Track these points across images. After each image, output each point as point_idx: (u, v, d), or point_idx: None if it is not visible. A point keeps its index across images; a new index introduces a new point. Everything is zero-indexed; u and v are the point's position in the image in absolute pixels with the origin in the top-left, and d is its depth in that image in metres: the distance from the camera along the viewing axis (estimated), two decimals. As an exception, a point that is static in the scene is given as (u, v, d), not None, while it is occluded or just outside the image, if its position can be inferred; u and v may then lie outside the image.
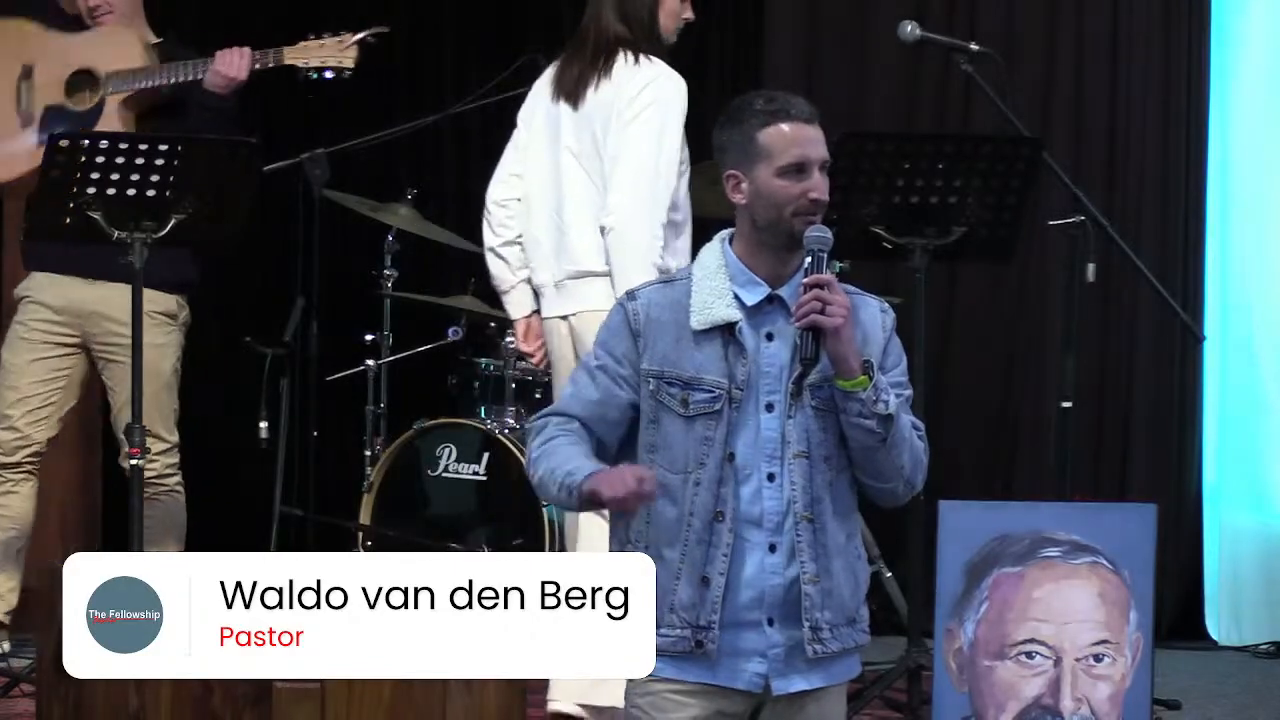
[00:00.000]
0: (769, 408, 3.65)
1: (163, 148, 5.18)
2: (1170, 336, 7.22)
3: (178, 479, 5.93)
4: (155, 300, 5.72)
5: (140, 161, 5.16)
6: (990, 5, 7.43)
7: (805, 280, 3.60)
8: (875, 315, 3.72)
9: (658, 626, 3.56)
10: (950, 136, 5.44)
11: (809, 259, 3.62)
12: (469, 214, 8.01)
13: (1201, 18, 7.26)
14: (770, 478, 3.64)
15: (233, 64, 5.73)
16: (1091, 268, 5.57)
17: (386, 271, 6.93)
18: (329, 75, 5.72)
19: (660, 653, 3.56)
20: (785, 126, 3.69)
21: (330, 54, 5.71)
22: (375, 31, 5.76)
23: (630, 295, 3.76)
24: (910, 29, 5.62)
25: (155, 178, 5.17)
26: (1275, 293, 7.14)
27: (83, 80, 5.79)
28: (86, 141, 5.18)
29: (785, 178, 3.66)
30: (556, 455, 3.63)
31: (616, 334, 3.73)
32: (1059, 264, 6.61)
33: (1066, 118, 7.35)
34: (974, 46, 5.64)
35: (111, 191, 5.16)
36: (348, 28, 5.84)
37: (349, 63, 5.73)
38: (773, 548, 3.63)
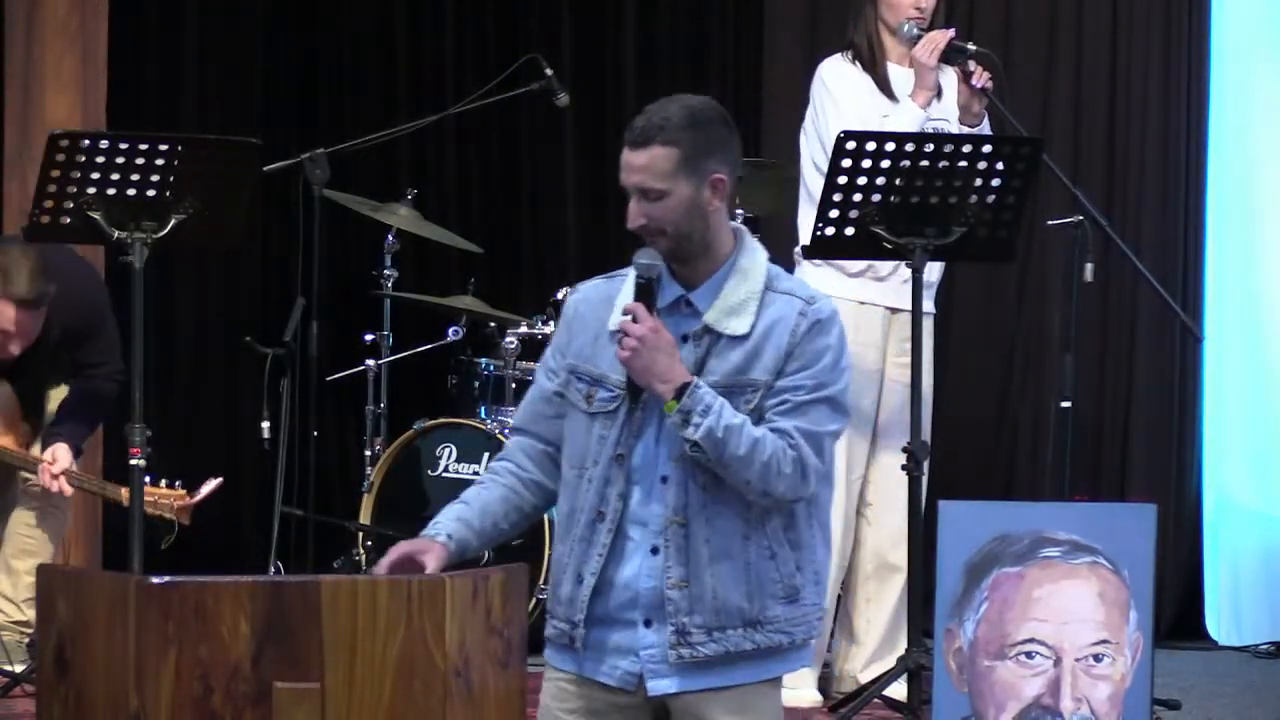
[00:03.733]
0: None
1: (163, 147, 5.18)
2: (1170, 336, 7.22)
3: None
4: None
5: (140, 161, 5.16)
6: (990, 5, 7.43)
7: (624, 308, 3.65)
8: (788, 318, 3.67)
9: (551, 617, 3.68)
10: (950, 136, 5.43)
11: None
12: (469, 214, 8.03)
13: (1202, 17, 7.26)
14: (664, 480, 3.65)
15: (49, 485, 5.75)
16: (1090, 267, 5.56)
17: (386, 271, 6.93)
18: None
19: (550, 642, 3.68)
20: (623, 149, 3.70)
21: (165, 506, 5.81)
22: (213, 490, 5.91)
23: (574, 289, 3.85)
24: (908, 28, 5.62)
25: (155, 178, 5.17)
26: (1275, 292, 7.14)
27: None
28: (86, 141, 5.18)
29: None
30: (451, 504, 3.74)
31: (559, 327, 3.84)
32: (1059, 264, 6.61)
33: (1066, 118, 7.35)
34: (972, 46, 5.64)
35: (111, 191, 5.16)
36: None
37: (185, 520, 5.87)
38: (655, 550, 3.64)
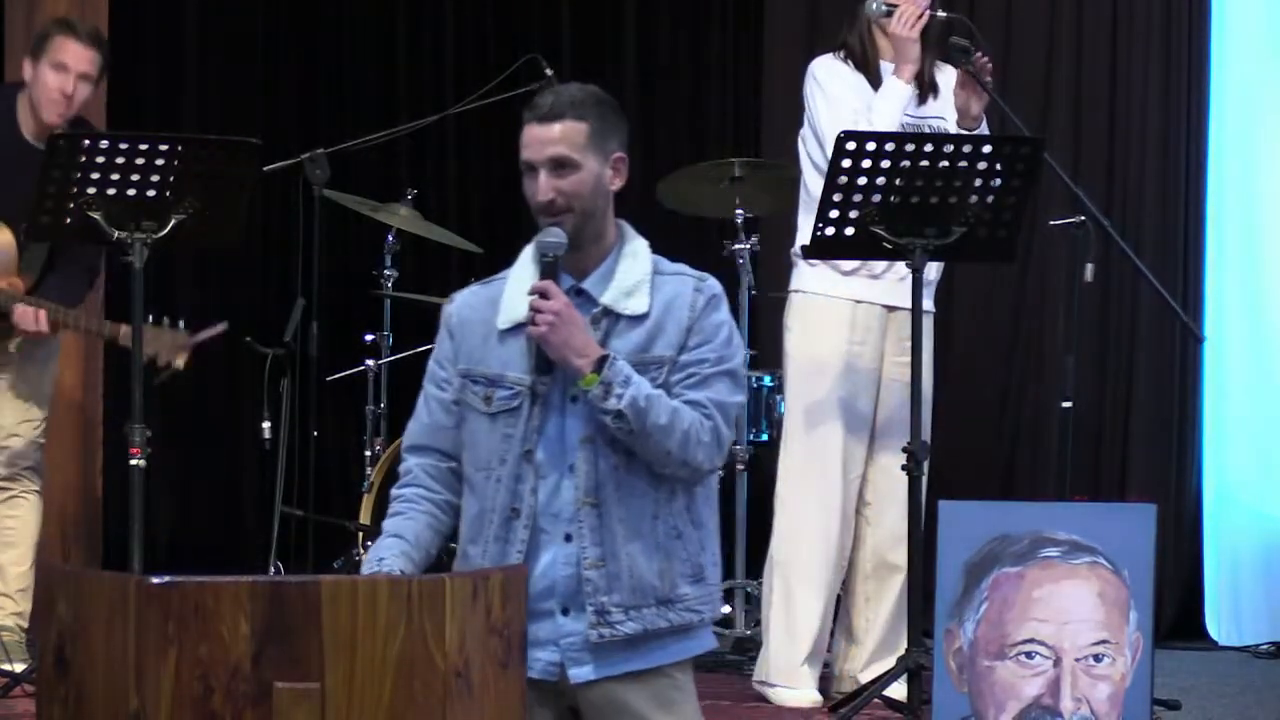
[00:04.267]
0: (574, 399, 3.71)
1: (163, 147, 5.18)
2: (1170, 336, 7.22)
3: (40, 482, 5.97)
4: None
5: (140, 161, 5.16)
6: (990, 5, 7.43)
7: (530, 288, 3.70)
8: (685, 295, 3.76)
9: None
10: (950, 137, 5.42)
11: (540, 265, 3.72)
12: (469, 214, 8.03)
13: (1202, 17, 7.26)
14: (572, 469, 3.70)
15: (28, 321, 5.68)
16: (1091, 268, 5.56)
17: (386, 271, 6.93)
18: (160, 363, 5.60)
19: None
20: (526, 128, 3.78)
21: (165, 346, 5.61)
22: (214, 333, 5.74)
23: (450, 299, 3.90)
24: (876, 6, 5.61)
25: (155, 178, 5.17)
26: (1275, 292, 7.14)
27: None
28: (87, 141, 5.18)
29: (525, 179, 3.77)
30: (382, 537, 3.78)
31: (440, 339, 3.88)
32: (1059, 264, 6.61)
33: (1067, 118, 7.35)
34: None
35: (111, 191, 5.16)
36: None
37: (179, 363, 5.65)
38: (568, 537, 3.69)
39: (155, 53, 7.98)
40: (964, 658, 4.00)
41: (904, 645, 5.30)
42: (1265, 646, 6.96)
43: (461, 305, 3.86)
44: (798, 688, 5.62)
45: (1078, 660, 3.98)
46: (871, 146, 5.14)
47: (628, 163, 3.81)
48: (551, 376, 3.70)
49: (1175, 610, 7.11)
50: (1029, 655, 3.98)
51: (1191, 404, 7.24)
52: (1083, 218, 5.55)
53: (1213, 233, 7.25)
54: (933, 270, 5.64)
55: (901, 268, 5.39)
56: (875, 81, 5.64)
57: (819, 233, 5.21)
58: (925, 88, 5.67)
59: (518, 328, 3.74)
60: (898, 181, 5.14)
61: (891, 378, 5.65)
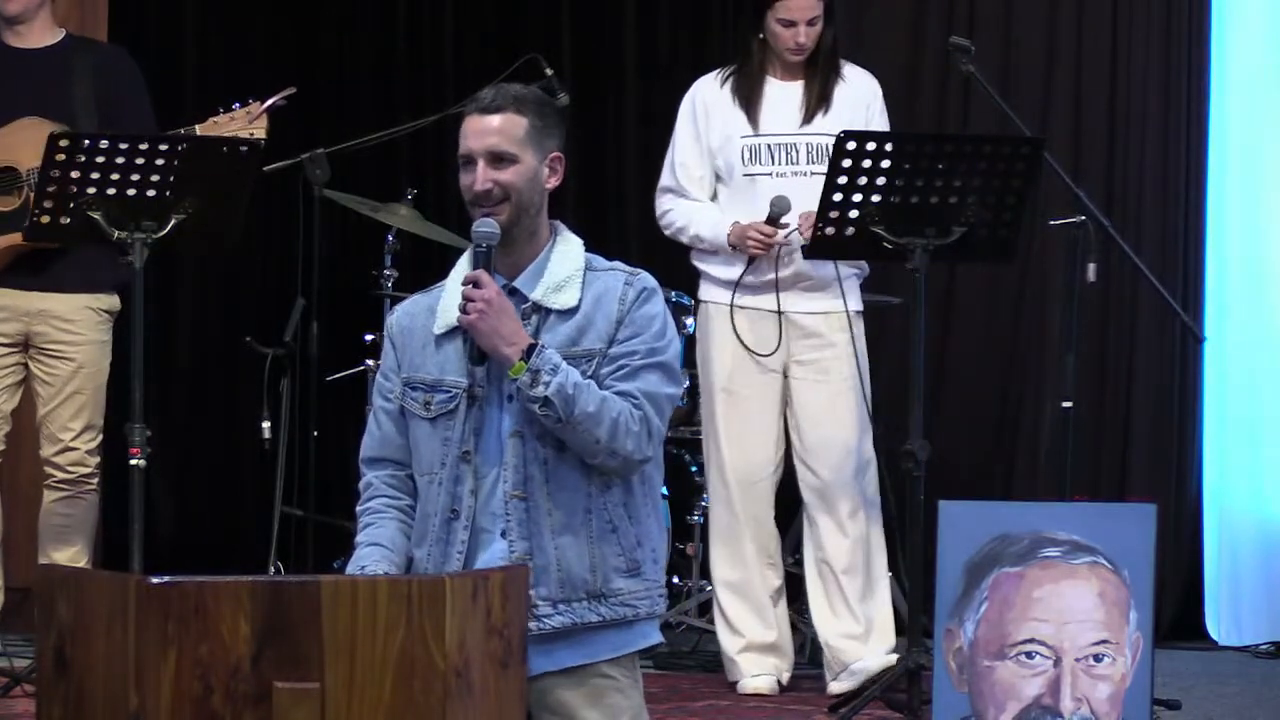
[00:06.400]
0: (510, 398, 3.74)
1: (163, 147, 5.19)
2: (1170, 336, 7.21)
3: (98, 479, 5.94)
4: (102, 300, 5.83)
5: (140, 161, 5.17)
6: (990, 5, 7.43)
7: (464, 278, 3.74)
8: (615, 289, 3.80)
9: None
10: (950, 136, 5.44)
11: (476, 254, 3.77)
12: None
13: (1201, 18, 7.25)
14: (506, 464, 3.74)
15: None
16: (1093, 267, 5.57)
17: (386, 271, 6.93)
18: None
19: None
20: (467, 119, 3.83)
21: (240, 127, 5.66)
22: (284, 95, 5.76)
23: (392, 309, 3.98)
24: (778, 209, 5.58)
25: (155, 178, 5.18)
26: (1276, 292, 7.14)
27: (5, 177, 5.74)
28: (87, 141, 5.18)
29: (462, 170, 3.82)
30: (359, 549, 3.86)
31: (385, 351, 3.94)
32: (1059, 264, 6.61)
33: (1067, 118, 7.35)
34: (966, 42, 5.65)
35: (111, 191, 5.16)
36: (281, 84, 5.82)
37: (260, 133, 5.66)
38: (504, 533, 3.73)
39: (155, 53, 7.97)
40: (964, 658, 4.00)
41: (886, 639, 5.36)
42: (1265, 646, 6.96)
43: (401, 315, 3.92)
44: (737, 678, 5.78)
45: (1078, 660, 3.98)
46: (871, 146, 5.14)
47: (564, 163, 3.86)
48: (485, 367, 3.73)
49: (1175, 610, 7.10)
50: (1029, 655, 3.98)
51: (1191, 404, 7.24)
52: (1083, 218, 5.55)
53: (1213, 233, 7.24)
54: (844, 266, 5.66)
55: (784, 272, 5.55)
56: (750, 104, 5.68)
57: (819, 232, 5.22)
58: (814, 105, 5.69)
59: (453, 332, 3.78)
60: (898, 181, 5.14)
61: (797, 377, 5.70)
